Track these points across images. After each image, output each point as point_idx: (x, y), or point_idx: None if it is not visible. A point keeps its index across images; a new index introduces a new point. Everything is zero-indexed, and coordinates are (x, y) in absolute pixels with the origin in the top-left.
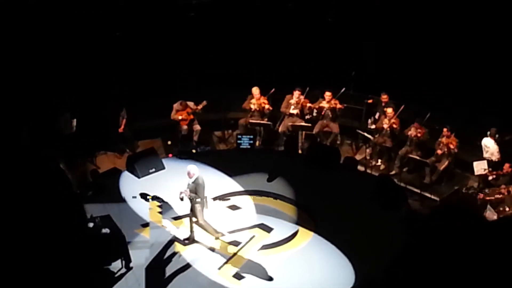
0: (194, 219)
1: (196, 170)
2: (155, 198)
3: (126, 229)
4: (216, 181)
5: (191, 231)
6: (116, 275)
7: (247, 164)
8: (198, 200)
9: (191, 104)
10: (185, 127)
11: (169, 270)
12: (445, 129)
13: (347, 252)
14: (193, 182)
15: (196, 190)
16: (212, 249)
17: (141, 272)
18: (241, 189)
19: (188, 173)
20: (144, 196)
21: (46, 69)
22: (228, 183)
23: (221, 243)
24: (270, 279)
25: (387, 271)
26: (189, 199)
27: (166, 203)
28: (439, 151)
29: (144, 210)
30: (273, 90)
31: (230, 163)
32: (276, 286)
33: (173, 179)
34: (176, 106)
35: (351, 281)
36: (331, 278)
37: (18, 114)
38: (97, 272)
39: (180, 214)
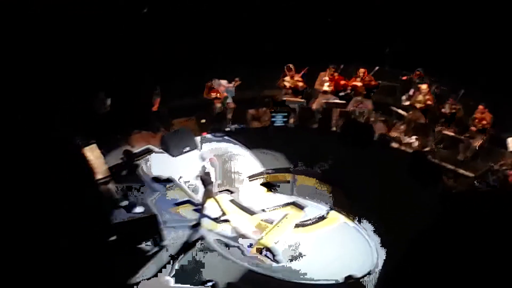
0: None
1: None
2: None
3: (159, 208)
4: (250, 159)
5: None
6: (149, 254)
7: (280, 142)
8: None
9: (224, 82)
10: (219, 105)
11: (202, 248)
12: (480, 106)
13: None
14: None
15: (209, 173)
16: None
17: (173, 251)
18: (275, 167)
19: (203, 158)
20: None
21: (79, 50)
22: (261, 161)
23: (255, 221)
24: (303, 257)
25: (416, 248)
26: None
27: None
28: (473, 128)
29: (178, 189)
30: (306, 68)
31: (264, 141)
32: (309, 265)
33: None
34: (209, 84)
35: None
36: (360, 259)
37: (52, 96)
38: (130, 251)
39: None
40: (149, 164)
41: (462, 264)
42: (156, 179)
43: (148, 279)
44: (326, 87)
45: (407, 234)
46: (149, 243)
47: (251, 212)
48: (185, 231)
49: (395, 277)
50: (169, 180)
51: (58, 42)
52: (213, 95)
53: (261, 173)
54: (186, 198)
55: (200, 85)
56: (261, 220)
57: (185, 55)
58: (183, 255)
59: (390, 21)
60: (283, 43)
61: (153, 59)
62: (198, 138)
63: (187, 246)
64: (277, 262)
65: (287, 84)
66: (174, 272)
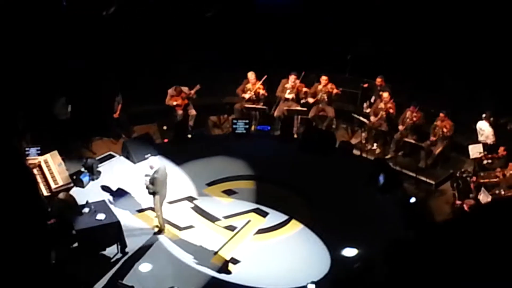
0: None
1: (157, 163)
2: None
3: (121, 215)
4: (211, 166)
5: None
6: (112, 260)
7: (242, 149)
8: (154, 191)
9: (185, 89)
10: (180, 112)
11: (165, 255)
12: (441, 114)
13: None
14: (152, 174)
15: (153, 182)
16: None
17: (136, 257)
18: (237, 174)
19: (150, 166)
20: None
21: (41, 55)
22: (223, 168)
23: (217, 227)
24: (265, 263)
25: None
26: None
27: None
28: (434, 135)
29: (140, 195)
30: (265, 76)
31: (226, 148)
32: (271, 270)
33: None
34: (170, 91)
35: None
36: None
37: (13, 100)
38: (91, 258)
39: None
40: (111, 170)
41: (420, 271)
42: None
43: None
44: (287, 94)
45: (367, 239)
46: (112, 249)
47: (213, 219)
48: (147, 237)
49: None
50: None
51: (17, 47)
52: (174, 102)
53: (221, 179)
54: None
55: (162, 91)
56: (224, 227)
57: (146, 61)
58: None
59: (353, 28)
60: (245, 50)
61: (115, 65)
62: (159, 145)
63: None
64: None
65: (248, 94)
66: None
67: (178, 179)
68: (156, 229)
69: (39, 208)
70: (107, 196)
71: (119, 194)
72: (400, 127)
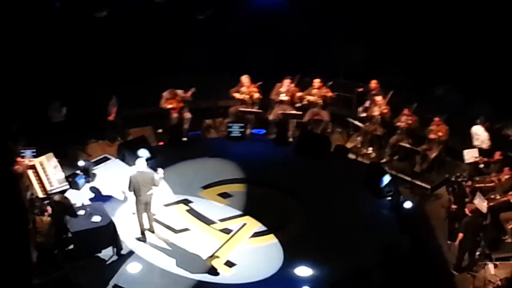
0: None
1: (141, 166)
2: None
3: (116, 217)
4: (206, 168)
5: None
6: (108, 262)
7: (236, 152)
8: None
9: (180, 92)
10: (175, 115)
11: (161, 257)
12: (436, 118)
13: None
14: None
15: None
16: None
17: (131, 260)
18: (232, 177)
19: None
20: None
21: (36, 58)
22: (219, 171)
23: (212, 230)
24: (261, 266)
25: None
26: None
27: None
28: (429, 139)
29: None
30: (260, 83)
31: (221, 152)
32: (267, 273)
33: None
34: (165, 94)
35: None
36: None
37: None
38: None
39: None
40: (106, 172)
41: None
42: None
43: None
44: (282, 97)
45: (362, 243)
46: (107, 251)
47: (209, 222)
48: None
49: None
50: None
51: (13, 50)
52: (169, 105)
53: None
54: None
55: (157, 94)
56: (219, 230)
57: (141, 64)
58: None
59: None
60: (240, 54)
61: (110, 68)
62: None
63: None
64: None
65: (242, 96)
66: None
67: (174, 182)
68: (150, 232)
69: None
70: (102, 199)
71: (114, 196)
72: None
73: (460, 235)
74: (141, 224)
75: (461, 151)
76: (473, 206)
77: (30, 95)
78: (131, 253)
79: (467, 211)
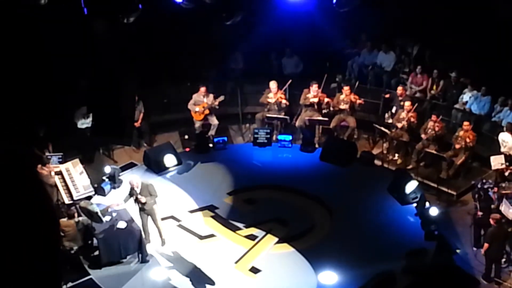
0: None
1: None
2: None
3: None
4: (232, 175)
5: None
6: (133, 268)
7: (263, 158)
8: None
9: (210, 97)
10: (198, 124)
11: (186, 263)
12: (465, 123)
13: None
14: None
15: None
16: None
17: (156, 266)
18: (258, 183)
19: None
20: None
21: (62, 63)
22: (244, 177)
23: (237, 237)
24: (286, 272)
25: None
26: None
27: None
28: (456, 146)
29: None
30: (290, 81)
31: (246, 158)
32: (292, 280)
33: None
34: (195, 96)
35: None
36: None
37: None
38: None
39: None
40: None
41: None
42: None
43: None
44: (312, 98)
45: (388, 251)
46: (132, 257)
47: (234, 228)
48: (167, 245)
49: None
50: None
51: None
52: (197, 108)
53: (242, 189)
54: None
55: (184, 101)
56: (244, 236)
57: (168, 70)
58: None
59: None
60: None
61: (136, 74)
62: (180, 154)
63: None
64: None
65: (271, 101)
66: None
67: (199, 188)
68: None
69: (48, 219)
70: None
71: None
72: (423, 136)
73: (486, 245)
74: (145, 232)
75: (488, 158)
76: (498, 216)
77: (56, 101)
78: (155, 259)
79: (492, 221)
